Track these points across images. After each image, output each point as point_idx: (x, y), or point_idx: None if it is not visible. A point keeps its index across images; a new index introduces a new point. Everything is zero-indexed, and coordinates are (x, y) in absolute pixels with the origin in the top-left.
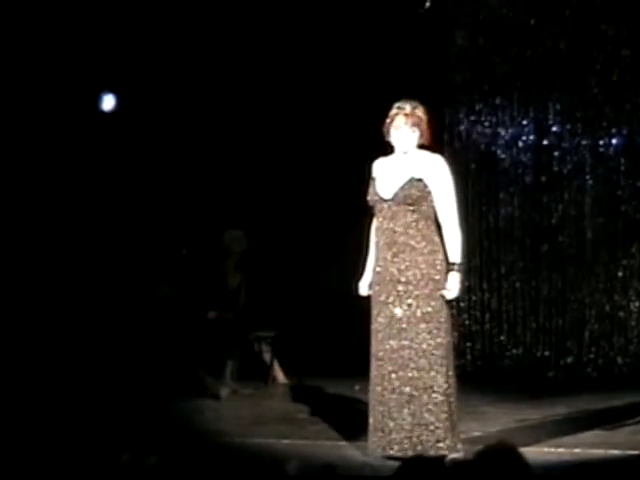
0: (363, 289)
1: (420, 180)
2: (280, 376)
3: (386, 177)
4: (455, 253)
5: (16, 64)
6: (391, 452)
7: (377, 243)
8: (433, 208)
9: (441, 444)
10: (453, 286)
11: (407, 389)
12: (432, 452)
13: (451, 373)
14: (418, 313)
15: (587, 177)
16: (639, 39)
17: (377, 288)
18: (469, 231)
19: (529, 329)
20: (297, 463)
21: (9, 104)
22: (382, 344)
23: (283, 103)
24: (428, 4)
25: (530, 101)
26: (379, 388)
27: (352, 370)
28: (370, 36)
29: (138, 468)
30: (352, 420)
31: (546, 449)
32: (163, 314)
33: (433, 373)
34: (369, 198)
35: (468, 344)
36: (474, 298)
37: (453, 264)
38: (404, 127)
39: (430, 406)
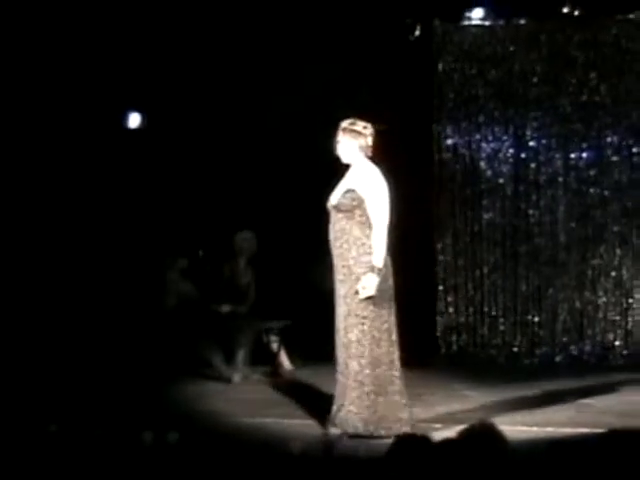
0: None
1: (353, 191)
2: (286, 363)
3: (337, 186)
4: (376, 257)
5: (43, 82)
6: (348, 430)
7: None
8: (367, 215)
9: (359, 425)
10: (367, 285)
11: (339, 375)
12: (351, 430)
13: (370, 363)
14: (341, 310)
15: (560, 187)
16: (605, 63)
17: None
18: (456, 234)
19: (508, 322)
20: (299, 442)
21: (36, 122)
22: None
23: (287, 118)
24: (418, 33)
25: (509, 119)
26: None
27: None
28: (367, 61)
29: (159, 445)
30: None
31: (521, 428)
32: (181, 307)
33: (348, 363)
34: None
35: (454, 335)
36: (460, 294)
37: (373, 267)
38: (342, 140)
39: (347, 391)
